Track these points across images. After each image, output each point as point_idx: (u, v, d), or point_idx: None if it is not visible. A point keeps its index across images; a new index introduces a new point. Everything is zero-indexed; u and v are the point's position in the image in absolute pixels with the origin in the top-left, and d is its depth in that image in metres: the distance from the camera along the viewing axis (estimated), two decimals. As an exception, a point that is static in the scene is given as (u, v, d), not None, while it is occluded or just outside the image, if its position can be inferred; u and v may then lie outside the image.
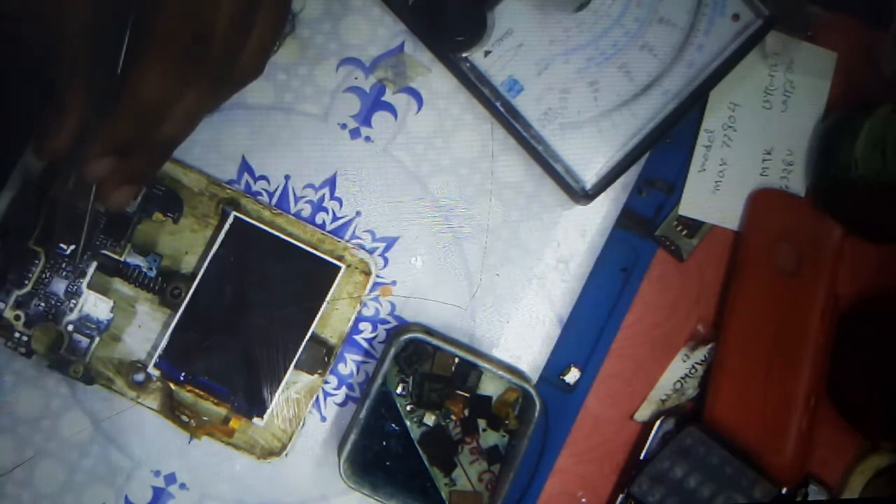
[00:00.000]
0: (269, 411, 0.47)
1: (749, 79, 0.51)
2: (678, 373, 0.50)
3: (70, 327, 0.47)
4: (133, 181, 0.39)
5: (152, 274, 0.48)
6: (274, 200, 0.49)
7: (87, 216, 0.42)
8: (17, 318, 0.47)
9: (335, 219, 0.50)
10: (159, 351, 0.47)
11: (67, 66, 0.36)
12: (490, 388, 0.49)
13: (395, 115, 0.50)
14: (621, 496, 0.49)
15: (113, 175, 0.38)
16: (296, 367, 0.47)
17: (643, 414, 0.50)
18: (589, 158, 0.48)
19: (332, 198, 0.50)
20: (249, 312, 0.48)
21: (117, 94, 0.36)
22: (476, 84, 0.48)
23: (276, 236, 0.48)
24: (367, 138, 0.50)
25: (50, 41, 0.36)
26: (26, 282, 0.47)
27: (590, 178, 0.48)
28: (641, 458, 0.49)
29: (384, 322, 0.50)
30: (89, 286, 0.47)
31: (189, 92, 0.37)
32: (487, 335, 0.50)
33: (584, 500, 0.50)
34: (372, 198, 0.50)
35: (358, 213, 0.50)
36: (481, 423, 0.49)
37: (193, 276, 0.47)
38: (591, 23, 0.48)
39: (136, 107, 0.36)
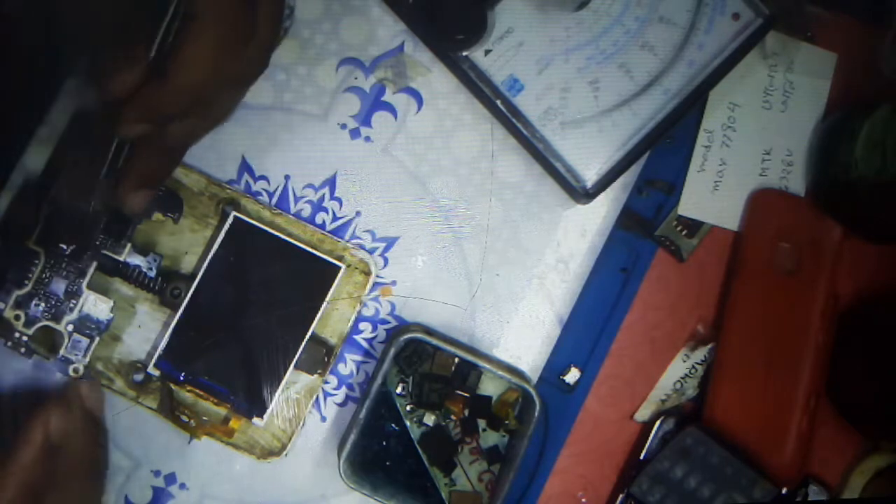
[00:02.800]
0: (269, 411, 0.47)
1: (749, 79, 0.51)
2: (678, 373, 0.50)
3: (70, 327, 0.47)
4: (150, 184, 0.40)
5: (152, 274, 0.48)
6: (274, 200, 0.49)
7: (102, 215, 0.42)
8: (17, 318, 0.47)
9: (335, 219, 0.50)
10: (159, 351, 0.47)
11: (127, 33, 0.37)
12: (490, 388, 0.49)
13: (395, 115, 0.50)
14: (621, 496, 0.49)
15: (131, 179, 0.38)
16: (296, 367, 0.47)
17: (643, 414, 0.50)
18: (590, 157, 0.48)
19: (332, 198, 0.50)
20: (249, 312, 0.48)
21: (162, 67, 0.36)
22: (476, 83, 0.48)
23: (276, 236, 0.48)
24: (367, 138, 0.50)
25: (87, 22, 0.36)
26: (26, 282, 0.47)
27: (591, 176, 0.48)
28: (641, 458, 0.49)
29: (384, 322, 0.50)
30: (89, 286, 0.47)
31: (231, 73, 0.38)
32: (487, 335, 0.50)
33: (584, 500, 0.50)
34: (372, 198, 0.50)
35: (358, 213, 0.50)
36: (481, 423, 0.49)
37: (193, 276, 0.47)
38: (592, 22, 0.48)
39: (186, 79, 0.37)
